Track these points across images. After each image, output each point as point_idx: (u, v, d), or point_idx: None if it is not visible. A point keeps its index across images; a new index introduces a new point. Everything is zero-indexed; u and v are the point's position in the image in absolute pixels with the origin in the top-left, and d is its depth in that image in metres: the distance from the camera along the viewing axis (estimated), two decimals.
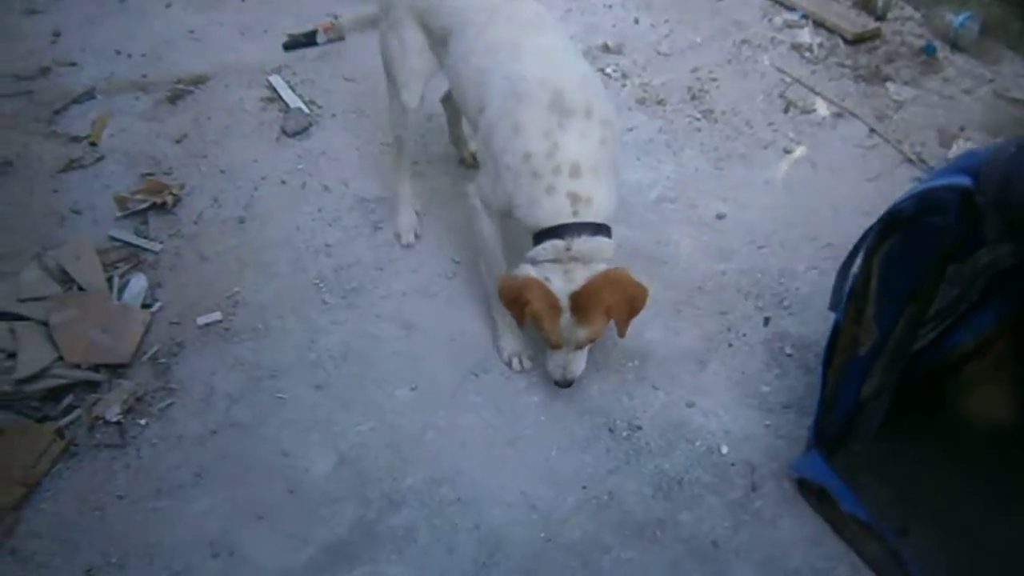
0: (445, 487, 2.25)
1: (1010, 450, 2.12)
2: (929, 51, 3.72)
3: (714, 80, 3.68)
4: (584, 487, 2.24)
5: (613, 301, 2.10)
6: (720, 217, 3.00)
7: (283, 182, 3.22)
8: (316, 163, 3.30)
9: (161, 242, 2.97)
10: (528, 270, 2.15)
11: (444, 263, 2.87)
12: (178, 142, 3.42)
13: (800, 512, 2.14)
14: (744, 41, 3.90)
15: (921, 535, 1.97)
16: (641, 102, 3.57)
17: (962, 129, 3.30)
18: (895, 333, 1.64)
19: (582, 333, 2.15)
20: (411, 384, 2.51)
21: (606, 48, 3.90)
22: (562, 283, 2.10)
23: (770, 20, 4.04)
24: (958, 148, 3.17)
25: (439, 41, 2.47)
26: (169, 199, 3.09)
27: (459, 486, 2.25)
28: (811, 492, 2.12)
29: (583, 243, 2.08)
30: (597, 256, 2.12)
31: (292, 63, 3.84)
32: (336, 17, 4.05)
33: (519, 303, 2.12)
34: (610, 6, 4.21)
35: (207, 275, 2.86)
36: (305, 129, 3.45)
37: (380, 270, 2.86)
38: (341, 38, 3.98)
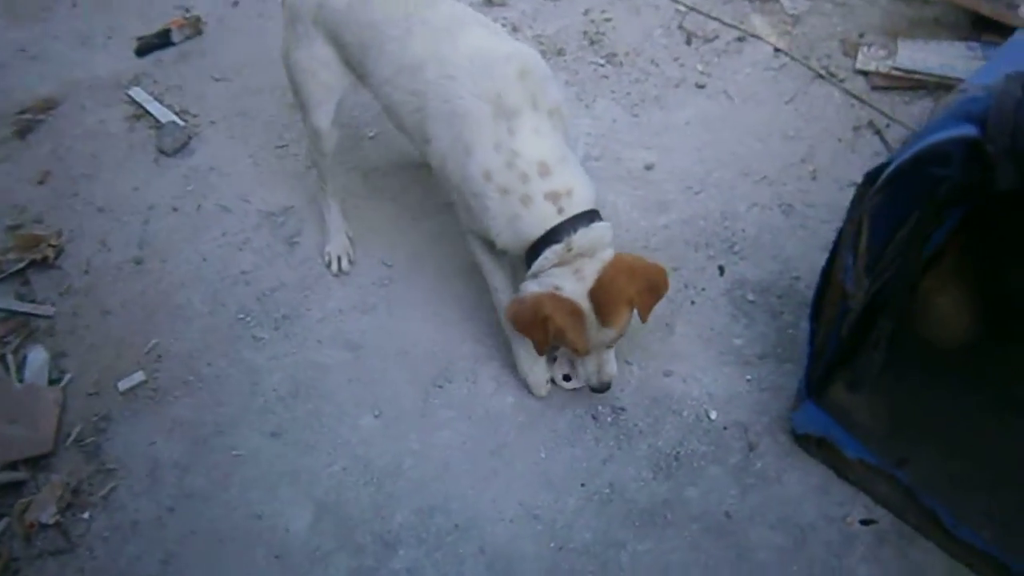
0: (438, 515, 2.12)
1: (977, 359, 2.14)
2: None
3: (608, 20, 3.54)
4: (582, 484, 2.15)
5: (634, 291, 1.96)
6: (649, 168, 2.90)
7: (175, 209, 2.90)
8: (207, 181, 2.99)
9: (52, 303, 2.64)
10: (533, 287, 1.98)
11: (376, 270, 2.67)
12: (41, 183, 3.02)
13: (802, 463, 2.13)
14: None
15: (920, 462, 1.99)
16: (541, 55, 3.39)
17: (862, 35, 3.30)
18: (891, 283, 1.60)
19: (610, 333, 1.99)
20: (373, 410, 2.34)
21: (489, 1, 3.68)
22: (575, 284, 1.93)
23: None
24: (863, 55, 3.17)
25: (355, 58, 2.21)
26: (49, 252, 2.74)
27: (452, 511, 2.13)
28: (809, 441, 2.11)
29: (582, 237, 1.92)
30: (600, 244, 1.96)
31: (150, 70, 3.44)
32: (187, 11, 3.66)
33: (537, 323, 1.93)
34: None
35: (115, 331, 2.56)
36: (185, 144, 3.11)
37: (308, 290, 2.63)
38: (198, 33, 3.60)
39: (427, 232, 2.73)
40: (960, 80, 2.91)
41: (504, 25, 3.53)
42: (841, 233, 1.67)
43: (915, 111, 3.01)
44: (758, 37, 3.36)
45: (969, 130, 1.22)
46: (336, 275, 2.63)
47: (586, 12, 3.58)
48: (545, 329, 1.92)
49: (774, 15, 3.48)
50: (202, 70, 3.43)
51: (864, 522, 2.02)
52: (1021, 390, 1.92)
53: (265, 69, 3.38)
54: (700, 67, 3.27)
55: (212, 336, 2.53)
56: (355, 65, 2.23)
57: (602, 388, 2.13)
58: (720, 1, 3.56)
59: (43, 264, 2.73)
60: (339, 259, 2.63)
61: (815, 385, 2.00)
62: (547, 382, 2.31)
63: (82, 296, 2.66)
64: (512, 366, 2.37)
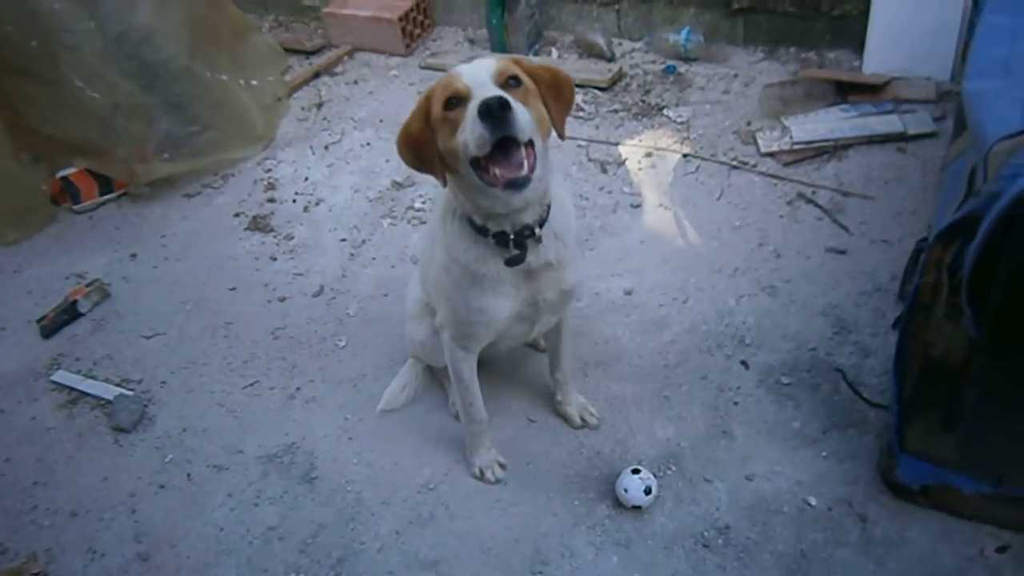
0: None
1: None
2: (671, 71, 4.22)
3: None
4: None
5: (522, 62, 1.96)
6: (629, 293, 3.10)
7: (161, 487, 2.71)
8: (184, 446, 2.83)
9: None
10: None
11: (415, 475, 2.61)
12: None
13: (915, 516, 2.27)
14: None
15: (1016, 476, 2.17)
16: None
17: (749, 123, 3.79)
18: (984, 324, 1.81)
19: (490, 62, 1.88)
20: None
21: (397, 185, 3.87)
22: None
23: None
24: (762, 140, 3.63)
25: None
26: None
27: None
28: (913, 493, 2.25)
29: None
30: None
31: (67, 348, 3.27)
32: (82, 277, 3.55)
33: (413, 116, 1.94)
34: (368, 143, 4.20)
35: None
36: (142, 415, 2.95)
37: (352, 522, 2.52)
38: (106, 296, 3.49)
39: (451, 426, 2.73)
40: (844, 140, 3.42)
41: (423, 203, 3.72)
42: (917, 292, 1.88)
43: (828, 174, 3.46)
44: (663, 149, 3.75)
45: None
46: (494, 483, 2.55)
47: None
48: (419, 110, 1.92)
49: (665, 127, 3.91)
50: (127, 332, 3.31)
51: (999, 550, 2.16)
52: None
53: (198, 311, 3.34)
54: (626, 189, 3.58)
55: None
56: None
57: (487, 103, 1.73)
58: (612, 128, 3.96)
59: None
60: (491, 469, 2.57)
61: (906, 439, 2.17)
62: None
63: None
64: (598, 525, 2.38)
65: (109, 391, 3.03)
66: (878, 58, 3.85)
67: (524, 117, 1.78)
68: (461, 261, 2.10)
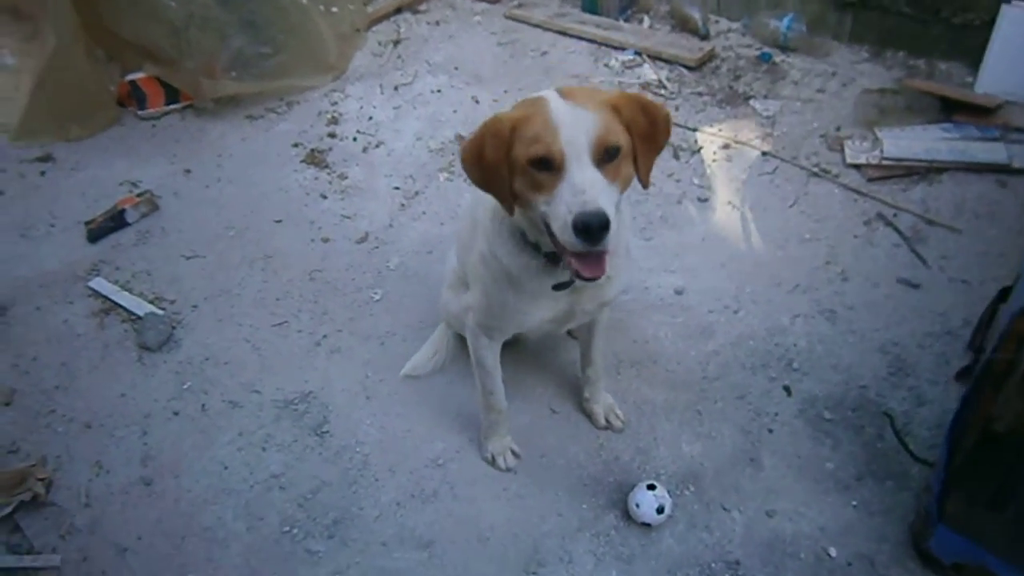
0: None
1: None
2: (766, 59, 3.95)
3: None
4: None
5: (622, 102, 1.74)
6: (679, 292, 2.93)
7: (175, 413, 2.68)
8: (204, 375, 2.79)
9: (54, 549, 2.35)
10: None
11: (425, 449, 2.53)
12: (7, 404, 2.74)
13: None
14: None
15: None
16: None
17: (838, 129, 3.52)
18: None
19: (589, 121, 1.63)
20: None
21: (461, 138, 3.72)
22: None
23: (606, 64, 4.09)
24: (850, 149, 3.36)
25: None
26: (38, 488, 2.45)
27: None
28: (935, 562, 2.08)
29: None
30: None
31: (109, 256, 3.26)
32: (135, 186, 3.52)
33: (490, 138, 1.72)
34: (439, 90, 4.04)
35: (140, 571, 2.29)
36: (169, 336, 2.92)
37: (354, 485, 2.45)
38: (155, 209, 3.45)
39: (471, 401, 2.63)
40: (940, 162, 3.16)
41: None
42: (992, 362, 1.69)
43: (915, 197, 3.19)
44: (742, 143, 3.51)
45: None
46: (505, 471, 2.46)
47: None
48: (499, 137, 1.69)
49: (749, 119, 3.66)
50: (169, 249, 3.27)
51: None
52: None
53: (240, 239, 3.27)
54: (696, 180, 3.37)
55: (257, 558, 2.30)
56: None
57: (587, 222, 1.57)
58: (693, 111, 3.73)
59: (34, 503, 2.43)
60: (503, 457, 2.47)
61: (947, 508, 1.99)
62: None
63: (88, 535, 2.38)
64: (603, 534, 2.27)
65: (141, 307, 3.00)
66: (994, 77, 3.52)
67: (615, 225, 1.64)
68: (504, 263, 1.97)
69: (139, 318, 2.96)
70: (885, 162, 3.27)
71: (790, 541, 2.24)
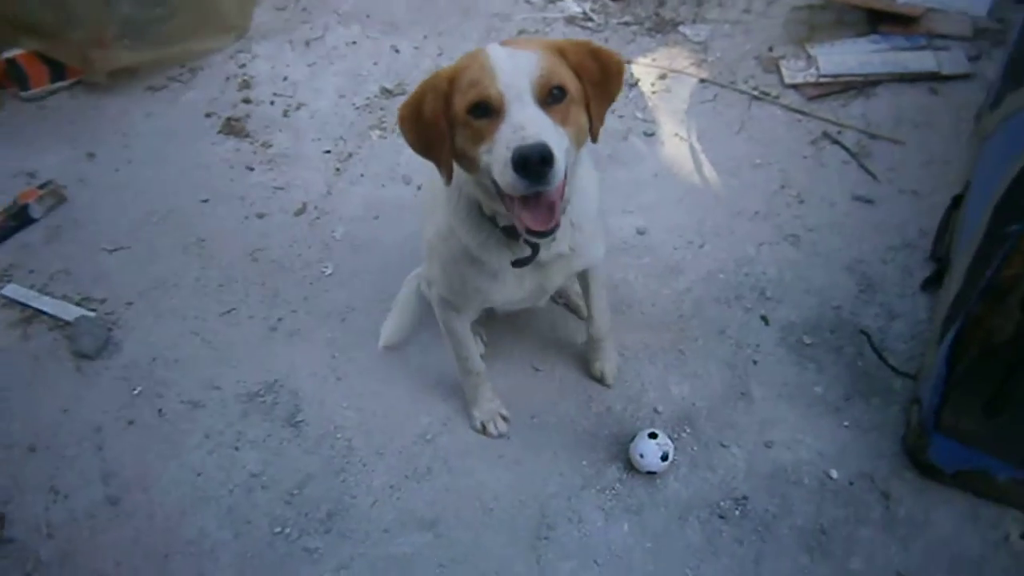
0: None
1: None
2: None
3: None
4: None
5: (568, 47, 1.65)
6: (642, 232, 2.87)
7: (130, 423, 2.48)
8: (154, 377, 2.58)
9: None
10: None
11: (411, 425, 2.42)
12: None
13: (941, 495, 2.16)
14: (521, 32, 3.75)
15: None
16: None
17: (771, 49, 3.50)
18: None
19: (529, 61, 1.54)
20: None
21: (387, 92, 3.52)
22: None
23: (527, 1, 3.92)
24: (787, 69, 3.35)
25: None
26: None
27: None
28: (933, 470, 2.15)
29: None
30: None
31: (19, 259, 2.95)
32: (32, 176, 3.18)
33: (429, 94, 1.61)
34: (354, 42, 3.80)
35: None
36: (107, 339, 2.68)
37: (343, 473, 2.33)
38: (62, 200, 3.14)
39: (451, 370, 2.53)
40: (874, 75, 3.19)
41: None
42: (997, 278, 1.70)
43: (855, 112, 3.22)
44: (678, 71, 3.45)
45: None
46: (497, 437, 2.37)
47: None
48: (436, 91, 1.59)
49: (680, 45, 3.60)
50: (86, 244, 2.99)
51: None
52: None
53: (165, 224, 3.02)
54: (639, 114, 3.30)
55: (252, 566, 2.16)
56: None
57: (525, 154, 1.45)
58: (624, 43, 3.63)
59: None
60: (493, 422, 2.38)
61: (941, 418, 2.04)
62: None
63: (59, 568, 2.19)
64: (608, 488, 2.24)
65: (69, 311, 2.74)
66: None
67: (561, 165, 1.49)
68: (463, 240, 1.84)
69: (69, 324, 2.70)
70: (822, 80, 3.28)
71: (792, 469, 2.26)
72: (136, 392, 2.54)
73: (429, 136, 1.64)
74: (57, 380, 2.59)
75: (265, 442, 2.41)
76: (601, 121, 1.68)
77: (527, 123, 1.48)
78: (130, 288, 2.83)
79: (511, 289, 1.93)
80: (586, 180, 1.87)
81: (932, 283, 2.57)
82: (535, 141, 1.45)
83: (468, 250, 1.85)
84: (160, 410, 2.50)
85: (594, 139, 1.69)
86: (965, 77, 3.25)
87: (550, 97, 1.54)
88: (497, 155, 1.50)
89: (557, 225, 1.57)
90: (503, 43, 1.66)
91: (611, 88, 1.69)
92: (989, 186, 2.27)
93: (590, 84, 1.63)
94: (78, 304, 2.78)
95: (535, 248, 1.81)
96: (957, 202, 2.66)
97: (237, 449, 2.40)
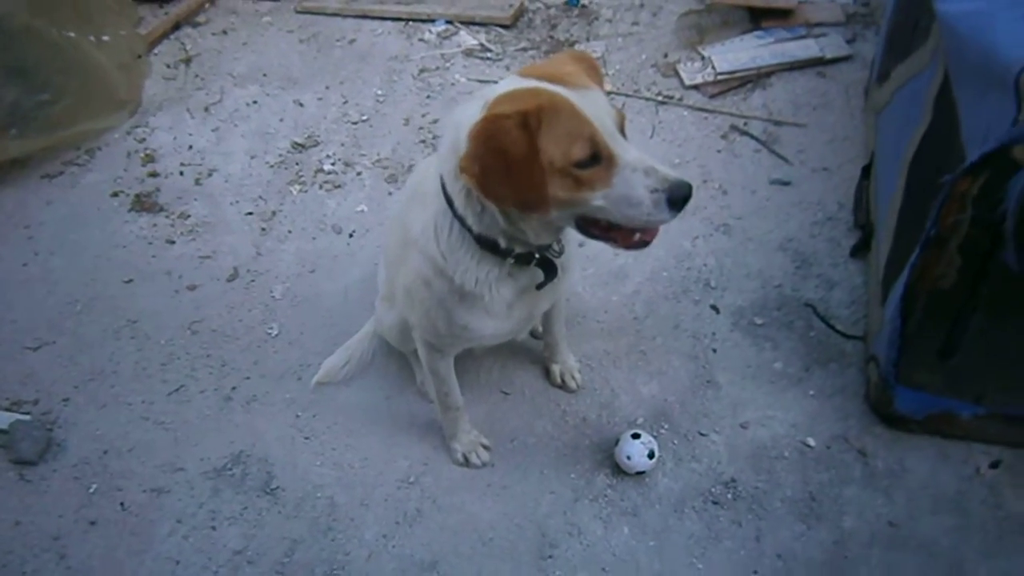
0: None
1: None
2: (574, 4, 4.04)
3: (434, 122, 3.54)
4: (755, 571, 2.11)
5: (587, 65, 1.71)
6: (581, 244, 2.92)
7: (92, 523, 2.35)
8: (109, 471, 2.46)
9: None
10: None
11: (393, 469, 2.39)
12: None
13: (911, 443, 2.29)
14: (423, 71, 3.81)
15: (996, 394, 2.22)
16: (393, 179, 3.29)
17: (666, 56, 3.68)
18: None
19: (602, 98, 1.61)
20: None
21: (299, 146, 3.50)
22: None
23: (421, 39, 4.00)
24: (685, 72, 3.53)
25: None
26: None
27: None
28: (900, 421, 2.28)
29: None
30: None
31: None
32: None
33: (523, 132, 1.50)
34: (255, 101, 3.77)
35: None
36: (48, 441, 2.54)
37: (330, 532, 2.28)
38: None
39: (420, 409, 2.52)
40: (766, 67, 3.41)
41: (332, 164, 3.40)
42: (937, 226, 1.83)
43: (755, 104, 3.42)
44: None
45: None
46: (481, 467, 2.36)
47: (406, 121, 3.56)
48: (527, 136, 1.49)
49: None
50: (6, 344, 2.84)
51: (992, 465, 2.23)
52: None
53: (90, 311, 2.93)
54: None
55: None
56: None
57: (685, 193, 1.55)
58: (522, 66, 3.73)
59: None
60: (475, 453, 2.36)
61: (904, 369, 2.17)
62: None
63: None
64: (601, 496, 2.27)
65: (0, 418, 2.58)
66: None
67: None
68: (456, 282, 1.83)
69: (3, 431, 2.54)
70: (720, 77, 3.47)
71: (771, 445, 2.35)
72: (92, 490, 2.41)
73: (513, 176, 1.53)
74: (1, 493, 2.42)
75: (243, 515, 2.32)
76: None
77: (647, 161, 1.55)
78: (63, 383, 2.69)
79: (501, 322, 1.93)
80: None
81: (860, 249, 2.75)
82: (679, 179, 1.54)
83: (460, 288, 1.83)
84: (122, 504, 2.38)
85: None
86: (846, 59, 3.51)
87: (622, 130, 1.61)
88: (631, 198, 1.55)
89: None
90: (523, 72, 1.67)
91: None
92: (895, 150, 2.46)
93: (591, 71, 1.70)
94: (8, 409, 2.62)
95: (552, 269, 1.83)
96: (867, 172, 2.86)
97: (214, 528, 2.30)
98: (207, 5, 4.37)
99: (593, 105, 1.55)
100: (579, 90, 1.57)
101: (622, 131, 1.60)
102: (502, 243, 1.74)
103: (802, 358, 2.53)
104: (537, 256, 1.80)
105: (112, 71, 3.69)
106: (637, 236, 1.69)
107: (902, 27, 2.71)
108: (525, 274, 1.85)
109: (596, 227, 1.66)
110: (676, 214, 1.57)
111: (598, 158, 1.54)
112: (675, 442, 2.38)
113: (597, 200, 1.58)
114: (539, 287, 1.87)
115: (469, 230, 1.74)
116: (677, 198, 1.54)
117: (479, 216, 1.71)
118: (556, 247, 1.84)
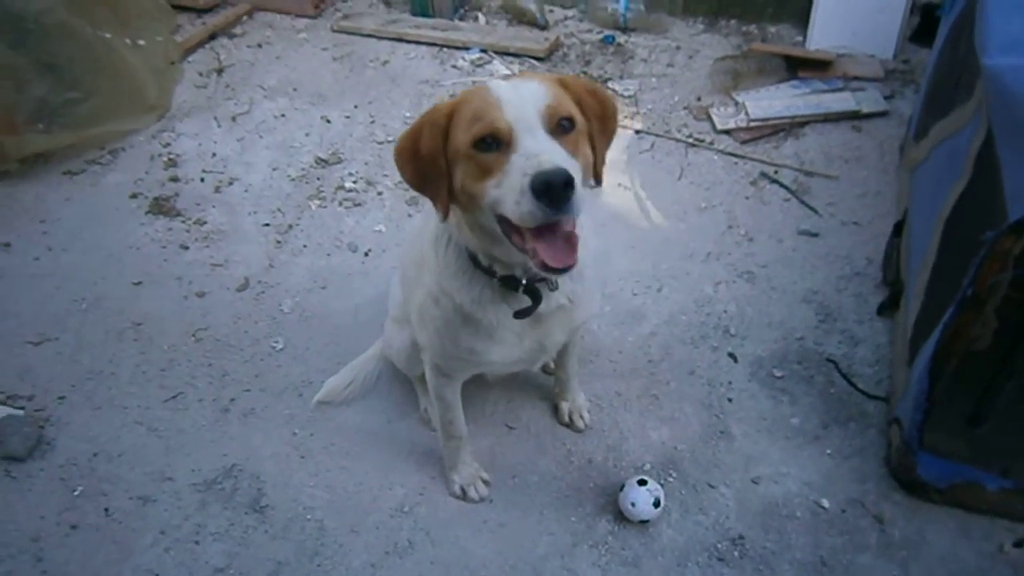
0: None
1: None
2: (610, 41, 4.02)
3: None
4: None
5: (569, 79, 1.63)
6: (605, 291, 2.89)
7: (73, 527, 2.28)
8: (96, 474, 2.40)
9: None
10: None
11: (387, 498, 2.31)
12: None
13: (931, 513, 2.19)
14: (452, 96, 3.79)
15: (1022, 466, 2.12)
16: (413, 201, 3.26)
17: (699, 99, 3.64)
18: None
19: (537, 92, 1.51)
20: None
21: (322, 162, 3.48)
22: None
23: (454, 66, 4.00)
24: (717, 116, 3.49)
25: None
26: None
27: None
28: (928, 491, 2.17)
29: None
30: None
31: None
32: None
33: (427, 128, 1.56)
34: (283, 115, 3.77)
35: None
36: (38, 438, 2.49)
37: (317, 556, 2.19)
38: None
39: (421, 437, 2.45)
40: (800, 117, 3.37)
41: (354, 183, 3.37)
42: (970, 289, 1.76)
43: (787, 152, 3.36)
44: None
45: None
46: (479, 502, 2.28)
47: None
48: (436, 126, 1.54)
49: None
50: (7, 338, 2.81)
51: (1017, 544, 2.11)
52: None
53: (96, 310, 2.88)
54: None
55: None
56: None
57: (547, 179, 1.38)
58: None
59: None
60: (474, 487, 2.29)
61: (924, 436, 2.08)
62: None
63: None
64: (601, 543, 2.17)
65: None
66: (822, 34, 3.79)
67: (580, 192, 1.42)
68: (456, 300, 1.79)
69: None
70: (753, 124, 3.43)
71: (783, 503, 2.25)
72: (77, 492, 2.35)
73: (426, 171, 1.59)
74: None
75: (228, 532, 2.25)
76: (603, 161, 1.67)
77: (542, 151, 1.44)
78: (60, 381, 2.65)
79: (509, 348, 1.87)
80: (585, 227, 1.75)
81: (888, 307, 2.66)
82: (553, 165, 1.39)
83: (462, 309, 1.79)
84: (106, 509, 2.31)
85: (597, 180, 1.66)
86: (883, 115, 3.46)
87: (559, 128, 1.50)
88: (510, 186, 1.44)
89: (576, 262, 1.50)
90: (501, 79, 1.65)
91: (610, 126, 1.69)
92: (931, 207, 2.38)
93: (594, 118, 1.62)
94: (3, 403, 2.57)
95: (537, 297, 1.76)
96: (899, 229, 2.79)
97: (197, 543, 2.23)
98: (245, 18, 4.40)
99: (518, 95, 1.50)
100: (518, 83, 1.54)
101: (557, 126, 1.50)
102: (482, 260, 1.72)
103: (820, 415, 2.44)
104: (524, 283, 1.73)
105: (144, 75, 3.72)
106: (537, 249, 1.48)
107: (943, 84, 2.66)
108: (518, 301, 1.79)
109: (517, 233, 1.54)
110: (547, 209, 1.39)
111: (499, 143, 1.48)
112: (683, 492, 2.29)
113: (492, 190, 1.49)
114: (517, 315, 1.79)
115: (459, 247, 1.75)
116: (538, 183, 1.37)
117: (459, 228, 1.70)
118: (552, 279, 1.75)
